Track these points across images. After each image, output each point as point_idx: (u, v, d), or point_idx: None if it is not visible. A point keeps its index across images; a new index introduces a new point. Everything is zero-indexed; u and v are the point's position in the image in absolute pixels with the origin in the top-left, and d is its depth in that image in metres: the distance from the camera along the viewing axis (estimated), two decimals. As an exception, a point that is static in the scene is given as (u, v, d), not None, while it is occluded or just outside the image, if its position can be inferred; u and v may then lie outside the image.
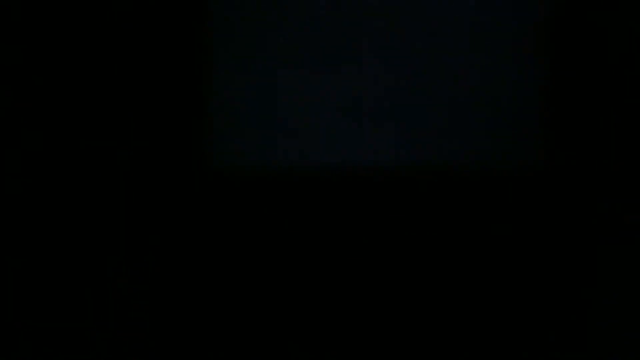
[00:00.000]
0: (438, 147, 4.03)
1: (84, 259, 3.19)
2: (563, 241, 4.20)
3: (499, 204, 4.10)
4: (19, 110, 3.12)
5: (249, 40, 3.61)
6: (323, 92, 3.78)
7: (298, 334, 3.39)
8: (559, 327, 3.66)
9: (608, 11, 4.30)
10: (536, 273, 3.98)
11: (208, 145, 3.53)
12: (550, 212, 4.21)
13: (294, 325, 3.43)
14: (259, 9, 3.62)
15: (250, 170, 3.63)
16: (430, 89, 4.03)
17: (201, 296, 3.37)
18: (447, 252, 3.93)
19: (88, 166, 3.27)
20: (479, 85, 4.12)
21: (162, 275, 3.25)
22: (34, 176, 3.16)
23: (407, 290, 3.75)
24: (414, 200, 3.96)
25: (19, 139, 3.11)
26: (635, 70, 4.33)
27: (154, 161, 3.42)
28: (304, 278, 3.63)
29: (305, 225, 3.70)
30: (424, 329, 3.56)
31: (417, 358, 3.49)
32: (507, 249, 4.03)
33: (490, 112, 4.15)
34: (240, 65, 3.60)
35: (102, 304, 3.01)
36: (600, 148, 4.34)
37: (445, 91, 4.06)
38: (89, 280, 3.14)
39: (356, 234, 3.79)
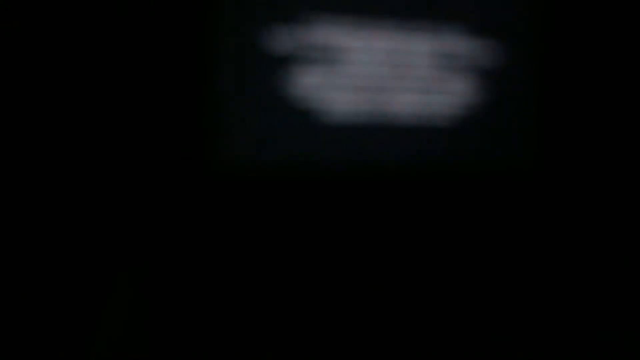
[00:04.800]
0: (434, 147, 4.05)
1: (85, 257, 3.20)
2: (558, 240, 4.22)
3: (495, 204, 4.12)
4: (21, 108, 3.12)
5: (250, 40, 3.61)
6: (323, 93, 3.79)
7: (297, 333, 3.41)
8: (554, 327, 3.68)
9: (603, 13, 4.33)
10: (530, 273, 4.01)
11: (208, 145, 3.54)
12: (545, 211, 4.23)
13: (293, 324, 3.44)
14: (260, 8, 3.63)
15: (250, 170, 3.64)
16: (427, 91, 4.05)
17: (198, 297, 3.38)
18: (445, 252, 3.95)
19: (86, 166, 3.28)
20: (475, 87, 4.14)
21: (161, 274, 3.26)
22: (36, 175, 3.17)
23: (405, 288, 3.77)
24: (412, 200, 3.97)
25: (22, 137, 3.12)
26: (631, 72, 4.35)
27: (154, 161, 3.42)
28: (304, 277, 3.65)
29: (305, 225, 3.71)
30: (419, 328, 3.58)
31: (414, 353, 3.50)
32: (502, 248, 4.05)
33: (485, 114, 4.17)
34: (241, 65, 3.60)
35: (104, 303, 3.02)
36: (594, 149, 4.37)
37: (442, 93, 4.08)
38: (89, 279, 3.15)
39: (355, 233, 3.80)
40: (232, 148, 3.58)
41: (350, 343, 3.39)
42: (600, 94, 4.41)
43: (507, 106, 4.26)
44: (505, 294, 3.85)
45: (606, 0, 4.38)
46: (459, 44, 4.09)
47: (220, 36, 3.53)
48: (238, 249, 3.53)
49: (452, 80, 4.09)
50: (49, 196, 3.22)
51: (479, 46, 4.14)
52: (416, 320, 3.62)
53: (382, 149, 3.92)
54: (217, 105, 3.53)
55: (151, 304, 3.00)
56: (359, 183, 3.88)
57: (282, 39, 3.68)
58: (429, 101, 4.04)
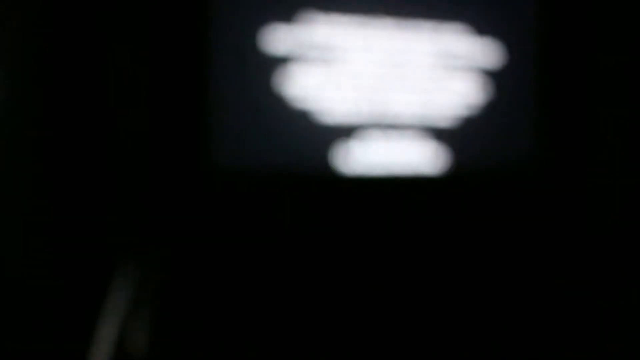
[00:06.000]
0: (435, 146, 4.05)
1: (85, 256, 3.22)
2: (559, 236, 4.22)
3: (496, 201, 4.12)
4: (24, 109, 3.14)
5: (247, 40, 3.62)
6: (322, 93, 3.80)
7: (297, 332, 3.41)
8: (554, 319, 3.67)
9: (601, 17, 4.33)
10: (531, 269, 4.00)
11: (208, 146, 3.54)
12: (547, 208, 4.23)
13: (293, 322, 3.45)
14: (260, 10, 3.64)
15: (248, 171, 3.64)
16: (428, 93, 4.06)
17: (197, 295, 3.39)
18: (445, 248, 3.95)
19: (84, 166, 3.30)
20: (475, 86, 4.15)
21: (160, 271, 3.27)
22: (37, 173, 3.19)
23: (407, 286, 3.77)
24: (413, 198, 3.98)
25: (24, 135, 3.14)
26: (631, 71, 4.35)
27: (153, 161, 3.44)
28: (302, 277, 3.65)
29: (303, 223, 3.71)
30: (418, 329, 3.58)
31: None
32: (504, 244, 4.05)
33: (486, 113, 4.18)
34: (238, 65, 3.61)
35: (103, 300, 3.03)
36: (596, 146, 4.36)
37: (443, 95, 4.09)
38: (89, 277, 3.17)
39: (355, 231, 3.80)
40: (230, 149, 3.58)
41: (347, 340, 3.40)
42: (601, 93, 4.41)
43: (508, 105, 4.25)
44: (506, 292, 3.85)
45: (606, 1, 4.39)
46: (459, 44, 4.10)
47: (216, 36, 3.54)
48: (238, 248, 3.54)
49: (452, 79, 4.09)
50: (48, 199, 3.24)
51: (479, 46, 4.14)
52: (423, 317, 3.62)
53: (383, 148, 3.93)
54: (213, 106, 3.54)
55: (150, 301, 3.02)
56: (359, 183, 3.89)
57: (281, 39, 3.68)
58: (430, 101, 4.05)
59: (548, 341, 3.52)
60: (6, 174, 3.09)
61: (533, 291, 3.89)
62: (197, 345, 3.20)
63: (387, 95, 3.94)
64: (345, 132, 3.84)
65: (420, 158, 4.01)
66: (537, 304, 3.79)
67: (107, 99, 3.34)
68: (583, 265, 4.08)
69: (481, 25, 4.13)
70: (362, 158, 3.88)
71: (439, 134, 4.05)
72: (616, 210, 4.36)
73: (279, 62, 3.67)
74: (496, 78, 4.19)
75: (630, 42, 4.35)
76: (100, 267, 3.12)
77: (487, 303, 3.78)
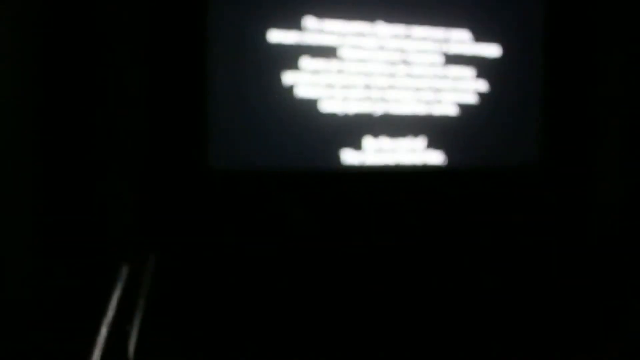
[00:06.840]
0: (436, 146, 4.05)
1: (84, 257, 3.22)
2: (559, 234, 4.23)
3: (499, 200, 4.12)
4: (24, 109, 3.15)
5: (247, 42, 3.62)
6: (321, 95, 3.80)
7: (297, 332, 3.41)
8: (558, 316, 3.68)
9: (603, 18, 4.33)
10: (532, 268, 4.01)
11: (205, 148, 3.54)
12: (549, 206, 4.23)
13: (293, 321, 3.45)
14: (257, 10, 3.64)
15: (249, 171, 3.65)
16: (431, 92, 4.05)
17: (196, 293, 3.40)
18: (446, 247, 3.96)
19: (83, 166, 3.30)
20: (481, 88, 4.15)
21: (158, 274, 3.27)
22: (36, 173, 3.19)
23: (410, 287, 3.77)
24: (414, 198, 3.98)
25: (23, 137, 3.14)
26: (633, 71, 4.35)
27: (152, 162, 3.44)
28: (302, 277, 3.65)
29: (302, 222, 3.71)
30: (420, 324, 3.58)
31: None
32: (504, 243, 4.05)
33: (489, 112, 4.18)
34: (239, 67, 3.61)
35: (102, 301, 3.03)
36: (598, 144, 4.36)
37: (448, 94, 4.09)
38: (89, 278, 3.17)
39: (355, 233, 3.80)
40: (228, 151, 3.59)
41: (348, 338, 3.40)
42: (604, 95, 4.41)
43: (512, 107, 4.26)
44: (507, 291, 3.86)
45: (611, 5, 4.39)
46: (464, 44, 4.09)
47: (213, 37, 3.54)
48: (237, 248, 3.54)
49: (457, 80, 4.09)
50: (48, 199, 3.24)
51: (485, 47, 4.14)
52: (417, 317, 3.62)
53: (385, 150, 3.93)
54: (211, 108, 3.54)
55: (149, 301, 3.02)
56: (359, 183, 3.89)
57: (280, 39, 3.68)
58: (434, 101, 4.05)
59: (550, 341, 3.52)
60: (6, 174, 3.09)
61: (534, 290, 3.89)
62: (197, 345, 3.21)
63: (392, 96, 3.94)
64: (346, 133, 3.85)
65: (423, 158, 4.01)
66: (537, 304, 3.79)
67: (107, 100, 3.35)
68: (585, 265, 4.08)
69: (487, 26, 4.14)
70: (364, 159, 3.88)
71: (442, 134, 4.05)
72: (618, 210, 4.36)
73: (278, 64, 3.68)
74: (501, 79, 4.19)
75: (634, 46, 4.35)
76: (99, 268, 3.12)
77: (487, 302, 3.78)
